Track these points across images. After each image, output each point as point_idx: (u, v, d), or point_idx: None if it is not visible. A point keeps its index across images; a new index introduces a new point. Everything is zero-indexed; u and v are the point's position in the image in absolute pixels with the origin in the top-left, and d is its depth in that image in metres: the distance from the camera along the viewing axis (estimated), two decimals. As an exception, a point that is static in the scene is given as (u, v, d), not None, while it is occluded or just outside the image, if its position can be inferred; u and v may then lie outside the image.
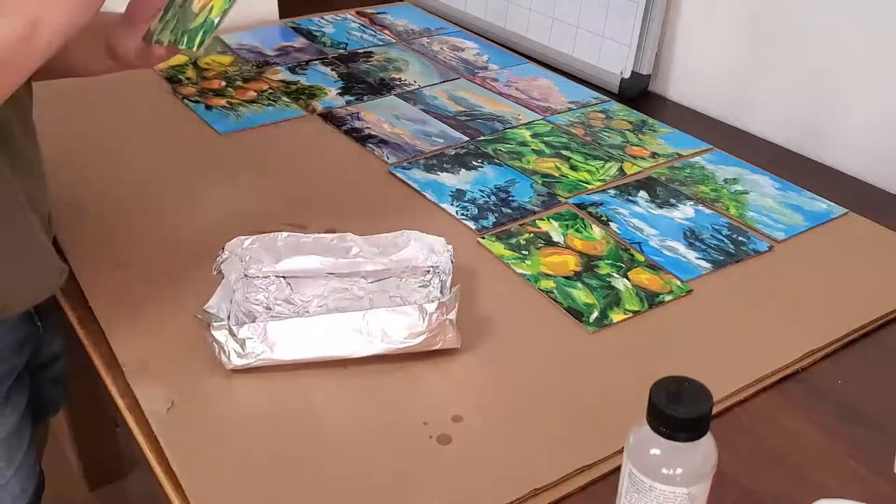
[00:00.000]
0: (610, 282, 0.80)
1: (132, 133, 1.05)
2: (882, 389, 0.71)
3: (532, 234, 0.87)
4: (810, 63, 1.06)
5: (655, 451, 0.49)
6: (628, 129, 1.11)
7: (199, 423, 0.64)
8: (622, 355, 0.72)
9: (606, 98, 1.20)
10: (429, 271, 0.78)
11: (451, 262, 0.75)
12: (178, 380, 0.68)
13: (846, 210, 0.94)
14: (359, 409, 0.66)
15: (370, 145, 1.04)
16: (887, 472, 0.62)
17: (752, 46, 1.13)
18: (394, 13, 1.51)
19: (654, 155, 1.04)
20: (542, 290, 0.79)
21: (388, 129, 1.08)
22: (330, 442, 0.63)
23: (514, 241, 0.86)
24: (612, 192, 0.96)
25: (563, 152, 1.04)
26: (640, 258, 0.84)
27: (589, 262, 0.83)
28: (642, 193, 0.96)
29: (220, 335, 0.65)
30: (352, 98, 1.17)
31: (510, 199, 0.94)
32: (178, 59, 1.26)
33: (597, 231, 0.88)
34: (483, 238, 0.86)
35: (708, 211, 0.93)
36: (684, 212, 0.93)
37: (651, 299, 0.78)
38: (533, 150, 1.04)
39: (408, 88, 1.20)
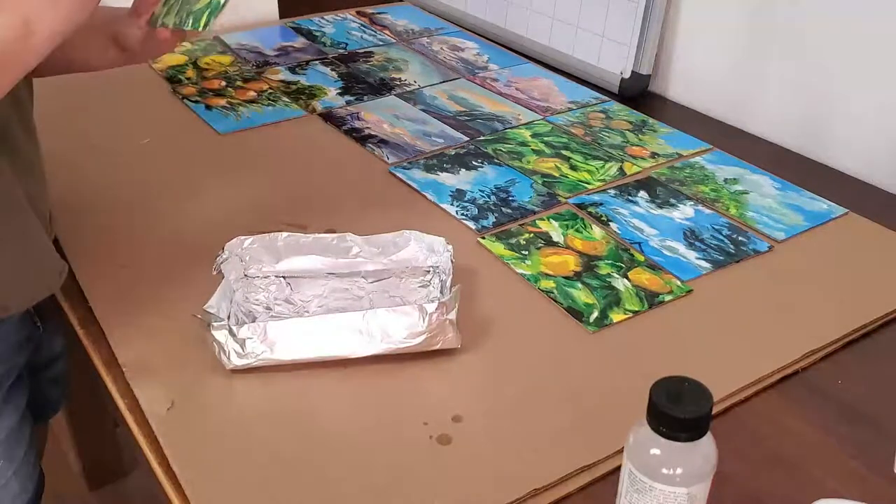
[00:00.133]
0: (610, 282, 0.80)
1: (132, 133, 1.05)
2: (882, 389, 0.71)
3: (532, 234, 0.87)
4: (810, 63, 1.06)
5: (655, 451, 0.49)
6: (628, 129, 1.11)
7: (199, 423, 0.64)
8: (622, 355, 0.72)
9: (606, 98, 1.20)
10: (429, 271, 0.78)
11: (451, 262, 0.75)
12: (178, 380, 0.68)
13: (846, 210, 0.94)
14: (359, 409, 0.66)
15: (370, 145, 1.04)
16: (887, 472, 0.62)
17: (752, 46, 1.13)
18: (394, 13, 1.51)
19: (654, 155, 1.04)
20: (542, 290, 0.79)
21: (388, 129, 1.08)
22: (330, 442, 0.63)
23: (514, 241, 0.86)
24: (612, 192, 0.96)
25: (563, 152, 1.04)
26: (641, 258, 0.84)
27: (589, 262, 0.83)
28: (642, 193, 0.96)
29: (220, 335, 0.65)
30: (352, 98, 1.17)
31: (510, 199, 0.94)
32: (178, 58, 1.26)
33: (597, 231, 0.88)
34: (483, 238, 0.86)
35: (708, 211, 0.93)
36: (684, 212, 0.93)
37: (651, 299, 0.78)
38: (533, 150, 1.04)
39: (408, 88, 1.20)
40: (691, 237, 0.88)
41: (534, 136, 1.08)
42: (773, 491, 0.61)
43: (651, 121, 1.13)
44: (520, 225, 0.89)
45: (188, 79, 1.20)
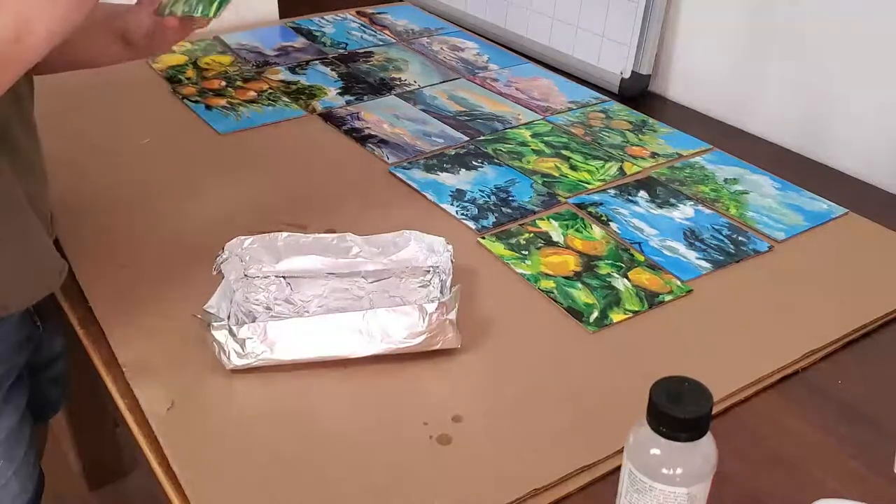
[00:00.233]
0: (610, 282, 0.80)
1: (132, 133, 1.05)
2: (882, 389, 0.71)
3: (532, 234, 0.87)
4: (810, 63, 1.06)
5: (655, 451, 0.49)
6: (628, 129, 1.11)
7: (199, 423, 0.64)
8: (622, 355, 0.72)
9: (606, 98, 1.20)
10: (429, 271, 0.78)
11: (451, 262, 0.75)
12: (178, 380, 0.68)
13: (846, 210, 0.94)
14: (359, 409, 0.66)
15: (370, 145, 1.04)
16: (887, 472, 0.62)
17: (752, 46, 1.13)
18: (394, 13, 1.51)
19: (654, 155, 1.04)
20: (542, 290, 0.79)
21: (388, 129, 1.08)
22: (330, 442, 0.63)
23: (514, 241, 0.86)
24: (612, 192, 0.96)
25: (563, 152, 1.04)
26: (641, 258, 0.84)
27: (589, 262, 0.83)
28: (642, 193, 0.96)
29: (220, 335, 0.65)
30: (352, 98, 1.17)
31: (510, 199, 0.94)
32: (178, 58, 1.26)
33: (597, 231, 0.88)
34: (483, 238, 0.86)
35: (708, 211, 0.93)
36: (684, 212, 0.93)
37: (651, 299, 0.78)
38: (533, 150, 1.04)
39: (408, 88, 1.20)
40: (691, 237, 0.88)
41: (534, 136, 1.08)
42: (773, 491, 0.61)
43: (651, 121, 1.13)
44: (520, 225, 0.89)
45: (188, 79, 1.20)
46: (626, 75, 1.21)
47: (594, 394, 0.68)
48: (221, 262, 0.73)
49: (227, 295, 0.72)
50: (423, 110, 1.14)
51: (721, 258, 0.85)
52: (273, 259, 0.76)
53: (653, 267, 0.83)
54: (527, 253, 0.84)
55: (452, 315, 0.68)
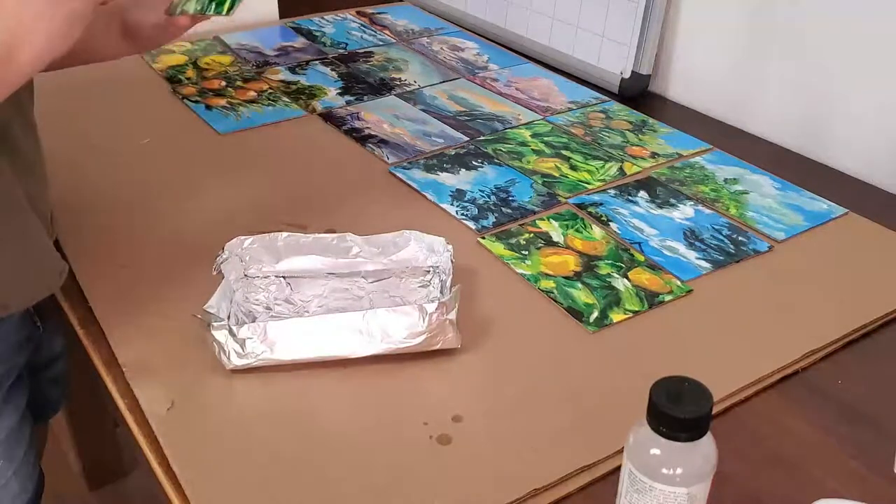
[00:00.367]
0: (610, 282, 0.80)
1: (132, 133, 1.05)
2: (882, 389, 0.71)
3: (532, 234, 0.87)
4: (810, 63, 1.06)
5: (655, 451, 0.49)
6: (628, 129, 1.11)
7: (199, 423, 0.64)
8: (622, 355, 0.72)
9: (606, 98, 1.20)
10: (429, 271, 0.78)
11: (451, 262, 0.75)
12: (178, 380, 0.68)
13: (846, 210, 0.94)
14: (359, 409, 0.66)
15: (370, 145, 1.04)
16: (887, 472, 0.62)
17: (752, 47, 1.13)
18: (394, 13, 1.51)
19: (654, 155, 1.04)
20: (542, 290, 0.79)
21: (388, 129, 1.09)
22: (330, 442, 0.63)
23: (514, 241, 0.86)
24: (612, 192, 0.96)
25: (563, 152, 1.04)
26: (641, 258, 0.84)
27: (589, 262, 0.83)
28: (642, 193, 0.96)
29: (220, 335, 0.65)
30: (352, 98, 1.17)
31: (510, 199, 0.94)
32: (179, 58, 1.26)
33: (597, 231, 0.88)
34: (483, 238, 0.86)
35: (708, 211, 0.93)
36: (684, 212, 0.93)
37: (651, 299, 0.78)
38: (533, 150, 1.04)
39: (408, 88, 1.20)
40: (691, 237, 0.88)
41: (534, 136, 1.08)
42: (773, 491, 0.61)
43: (651, 121, 1.13)
44: (520, 225, 0.89)
45: (188, 79, 1.20)
46: (626, 75, 1.21)
47: (594, 394, 0.68)
48: (221, 262, 0.73)
49: (227, 295, 0.72)
50: (423, 110, 1.14)
51: (721, 258, 0.85)
52: (273, 259, 0.76)
53: (653, 267, 0.83)
54: (527, 253, 0.84)
55: (452, 315, 0.68)
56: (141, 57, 1.25)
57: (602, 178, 0.99)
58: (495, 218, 0.90)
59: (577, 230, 0.88)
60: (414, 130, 1.08)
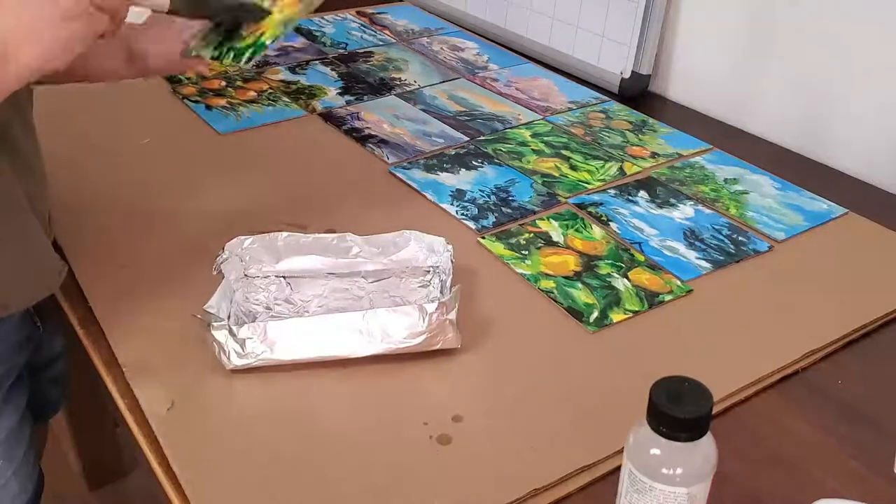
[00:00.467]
0: (610, 282, 0.80)
1: (132, 133, 1.05)
2: (882, 389, 0.71)
3: (532, 234, 0.87)
4: (810, 63, 1.06)
5: (655, 451, 0.49)
6: (628, 129, 1.11)
7: (199, 423, 0.64)
8: (622, 355, 0.72)
9: (606, 98, 1.20)
10: (429, 271, 0.78)
11: (451, 262, 0.75)
12: (178, 380, 0.68)
13: (846, 210, 0.94)
14: (359, 409, 0.66)
15: (370, 145, 1.04)
16: (887, 472, 0.62)
17: (752, 46, 1.13)
18: (394, 13, 1.51)
19: (654, 155, 1.04)
20: (542, 290, 0.79)
21: (388, 129, 1.09)
22: (330, 442, 0.63)
23: (514, 241, 0.86)
24: (612, 192, 0.96)
25: (563, 152, 1.04)
26: (641, 258, 0.84)
27: (589, 262, 0.83)
28: (642, 193, 0.96)
29: (220, 335, 0.65)
30: (352, 98, 1.17)
31: (510, 198, 0.94)
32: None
33: (597, 231, 0.88)
34: (483, 238, 0.86)
35: (708, 211, 0.93)
36: (684, 212, 0.93)
37: (651, 299, 0.78)
38: (533, 150, 1.04)
39: (408, 88, 1.20)
40: (691, 237, 0.88)
41: (534, 135, 1.08)
42: (773, 491, 0.61)
43: (651, 121, 1.13)
44: (520, 225, 0.89)
45: (188, 79, 1.20)
46: (626, 75, 1.21)
47: (594, 394, 0.68)
48: (221, 262, 0.73)
49: (227, 295, 0.72)
50: (423, 110, 1.14)
51: (721, 258, 0.85)
52: (273, 259, 0.76)
53: (653, 267, 0.83)
54: (527, 253, 0.84)
55: (452, 315, 0.68)
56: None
57: (602, 178, 0.99)
58: (495, 218, 0.90)
59: (577, 230, 0.88)
60: (414, 130, 1.08)
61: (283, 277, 0.77)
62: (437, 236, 0.78)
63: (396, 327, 0.67)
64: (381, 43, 1.37)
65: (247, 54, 0.71)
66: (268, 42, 0.72)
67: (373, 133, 1.07)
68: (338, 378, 0.68)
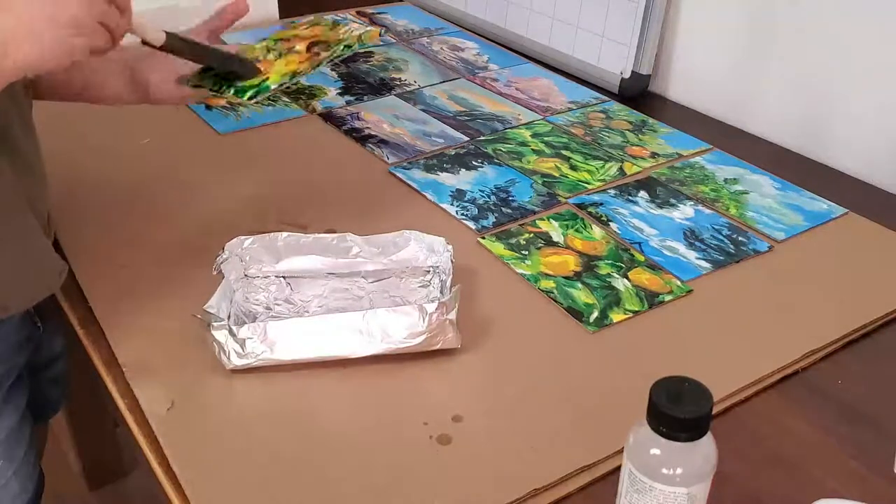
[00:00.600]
0: (610, 282, 0.80)
1: (132, 133, 1.05)
2: (882, 389, 0.71)
3: (532, 234, 0.87)
4: (810, 63, 1.06)
5: (655, 451, 0.49)
6: (628, 129, 1.11)
7: (199, 423, 0.64)
8: (622, 355, 0.72)
9: (606, 98, 1.20)
10: (429, 271, 0.78)
11: (451, 262, 0.75)
12: (178, 380, 0.68)
13: (846, 210, 0.94)
14: (359, 409, 0.66)
15: (370, 145, 1.04)
16: (887, 472, 0.62)
17: (752, 47, 1.13)
18: (394, 13, 1.51)
19: (654, 155, 1.04)
20: (542, 290, 0.79)
21: (388, 129, 1.09)
22: (330, 442, 0.63)
23: (514, 241, 0.86)
24: (612, 192, 0.96)
25: (563, 152, 1.04)
26: (641, 258, 0.84)
27: (589, 262, 0.83)
28: (642, 193, 0.96)
29: (220, 335, 0.65)
30: (352, 98, 1.17)
31: (510, 199, 0.94)
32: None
33: (597, 231, 0.88)
34: (483, 238, 0.86)
35: (708, 211, 0.93)
36: (684, 212, 0.93)
37: (651, 299, 0.78)
38: (533, 150, 1.04)
39: (408, 88, 1.20)
40: (691, 237, 0.88)
41: (534, 136, 1.08)
42: (773, 491, 0.61)
43: (651, 121, 1.13)
44: (520, 225, 0.89)
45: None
46: (626, 75, 1.21)
47: (594, 394, 0.68)
48: (221, 262, 0.73)
49: (227, 295, 0.72)
50: (423, 110, 1.14)
51: (721, 258, 0.85)
52: (273, 259, 0.76)
53: (653, 267, 0.83)
54: (527, 253, 0.84)
55: (452, 315, 0.68)
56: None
57: (602, 178, 0.99)
58: (495, 218, 0.90)
59: (577, 230, 0.88)
60: (414, 130, 1.08)
61: (283, 277, 0.77)
62: (437, 236, 0.78)
63: (396, 327, 0.67)
64: (381, 43, 1.37)
65: (249, 92, 0.73)
66: (272, 86, 0.74)
67: (373, 133, 1.07)
68: (338, 378, 0.68)
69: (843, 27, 1.02)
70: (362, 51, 1.33)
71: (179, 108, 1.12)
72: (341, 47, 0.81)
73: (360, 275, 0.78)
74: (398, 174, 0.98)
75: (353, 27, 0.85)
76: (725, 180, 0.99)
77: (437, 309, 0.67)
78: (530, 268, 0.82)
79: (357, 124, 1.09)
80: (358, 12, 1.50)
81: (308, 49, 0.80)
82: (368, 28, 0.86)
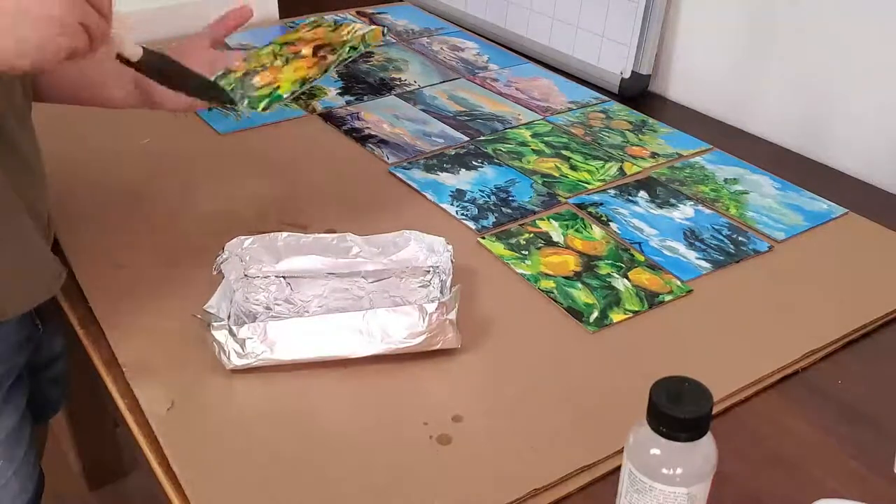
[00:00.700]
0: (610, 282, 0.80)
1: (132, 133, 1.05)
2: (882, 389, 0.71)
3: (532, 234, 0.87)
4: (810, 63, 1.06)
5: (655, 451, 0.49)
6: (628, 129, 1.11)
7: (199, 423, 0.64)
8: (622, 355, 0.72)
9: (606, 98, 1.20)
10: (429, 271, 0.78)
11: (451, 262, 0.75)
12: (178, 380, 0.68)
13: (846, 210, 0.94)
14: (359, 409, 0.66)
15: (370, 145, 1.04)
16: (887, 472, 0.62)
17: (752, 47, 1.13)
18: (394, 13, 1.51)
19: (654, 155, 1.04)
20: (542, 290, 0.79)
21: (388, 129, 1.09)
22: (330, 442, 0.63)
23: (514, 241, 0.86)
24: (612, 192, 0.96)
25: (563, 152, 1.04)
26: (641, 258, 0.84)
27: (589, 262, 0.83)
28: (642, 193, 0.96)
29: (220, 335, 0.65)
30: (352, 98, 1.17)
31: (510, 199, 0.94)
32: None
33: (597, 231, 0.88)
34: (483, 238, 0.86)
35: (708, 211, 0.93)
36: (684, 212, 0.93)
37: (651, 299, 0.78)
38: (533, 150, 1.04)
39: (408, 88, 1.20)
40: (691, 237, 0.88)
41: (534, 136, 1.08)
42: (773, 491, 0.61)
43: (651, 121, 1.13)
44: (520, 225, 0.89)
45: (188, 79, 1.20)
46: (626, 75, 1.21)
47: (594, 394, 0.68)
48: (221, 262, 0.73)
49: (227, 295, 0.72)
50: (423, 110, 1.14)
51: (721, 258, 0.85)
52: (273, 259, 0.76)
53: (653, 267, 0.83)
54: (527, 253, 0.84)
55: (452, 315, 0.68)
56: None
57: (602, 178, 0.99)
58: (495, 218, 0.90)
59: (577, 230, 0.88)
60: (414, 130, 1.08)
61: (283, 277, 0.77)
62: (437, 236, 0.78)
63: (396, 327, 0.67)
64: (381, 43, 1.37)
65: (263, 103, 0.73)
66: (284, 95, 0.74)
67: (373, 133, 1.07)
68: (338, 378, 0.68)
69: (843, 27, 1.02)
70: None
71: (179, 108, 1.12)
72: (347, 49, 0.81)
73: (360, 275, 0.78)
74: (398, 174, 0.98)
75: (355, 27, 0.85)
76: (725, 180, 0.99)
77: (437, 309, 0.67)
78: (530, 268, 0.82)
79: (357, 124, 1.09)
80: (358, 12, 1.50)
81: (314, 53, 0.80)
82: (371, 27, 0.86)
